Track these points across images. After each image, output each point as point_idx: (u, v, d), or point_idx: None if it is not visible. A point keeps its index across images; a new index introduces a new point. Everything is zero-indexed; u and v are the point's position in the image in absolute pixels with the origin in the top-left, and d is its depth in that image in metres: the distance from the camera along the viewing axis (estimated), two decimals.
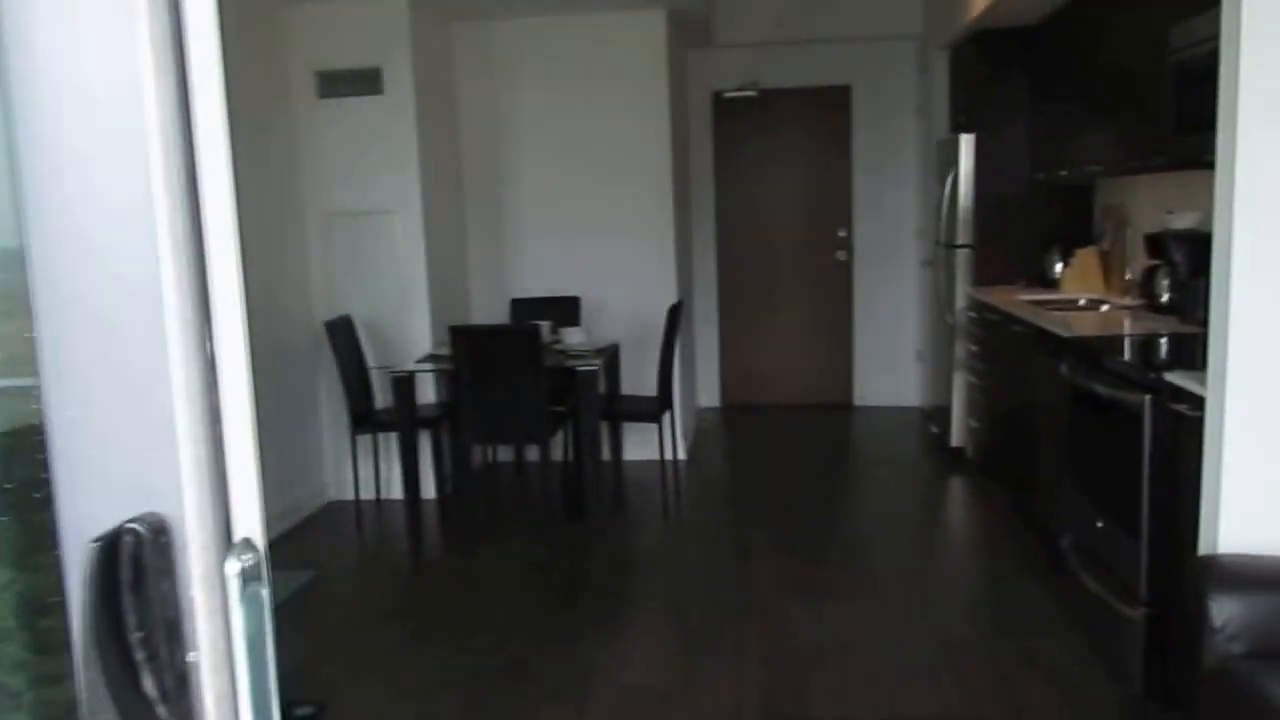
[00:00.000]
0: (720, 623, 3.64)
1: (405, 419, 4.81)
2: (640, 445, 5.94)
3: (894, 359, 7.33)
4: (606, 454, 5.67)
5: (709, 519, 4.88)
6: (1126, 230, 4.75)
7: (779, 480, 5.47)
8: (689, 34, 6.56)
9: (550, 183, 5.98)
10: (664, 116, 5.81)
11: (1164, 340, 3.41)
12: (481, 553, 4.54)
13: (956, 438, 5.74)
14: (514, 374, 4.50)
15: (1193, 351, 3.20)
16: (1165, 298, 3.88)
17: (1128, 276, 4.67)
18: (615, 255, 5.96)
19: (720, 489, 5.39)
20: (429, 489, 5.27)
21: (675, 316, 5.13)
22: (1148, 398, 2.78)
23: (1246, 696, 2.00)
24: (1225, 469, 2.36)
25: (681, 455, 5.98)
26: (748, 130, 7.23)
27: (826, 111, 7.15)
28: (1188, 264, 3.80)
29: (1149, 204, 4.63)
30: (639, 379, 5.95)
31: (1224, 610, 2.15)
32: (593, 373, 4.60)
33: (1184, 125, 3.30)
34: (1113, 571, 3.07)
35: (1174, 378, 2.71)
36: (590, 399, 4.60)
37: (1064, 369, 3.51)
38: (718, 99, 7.22)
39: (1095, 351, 3.33)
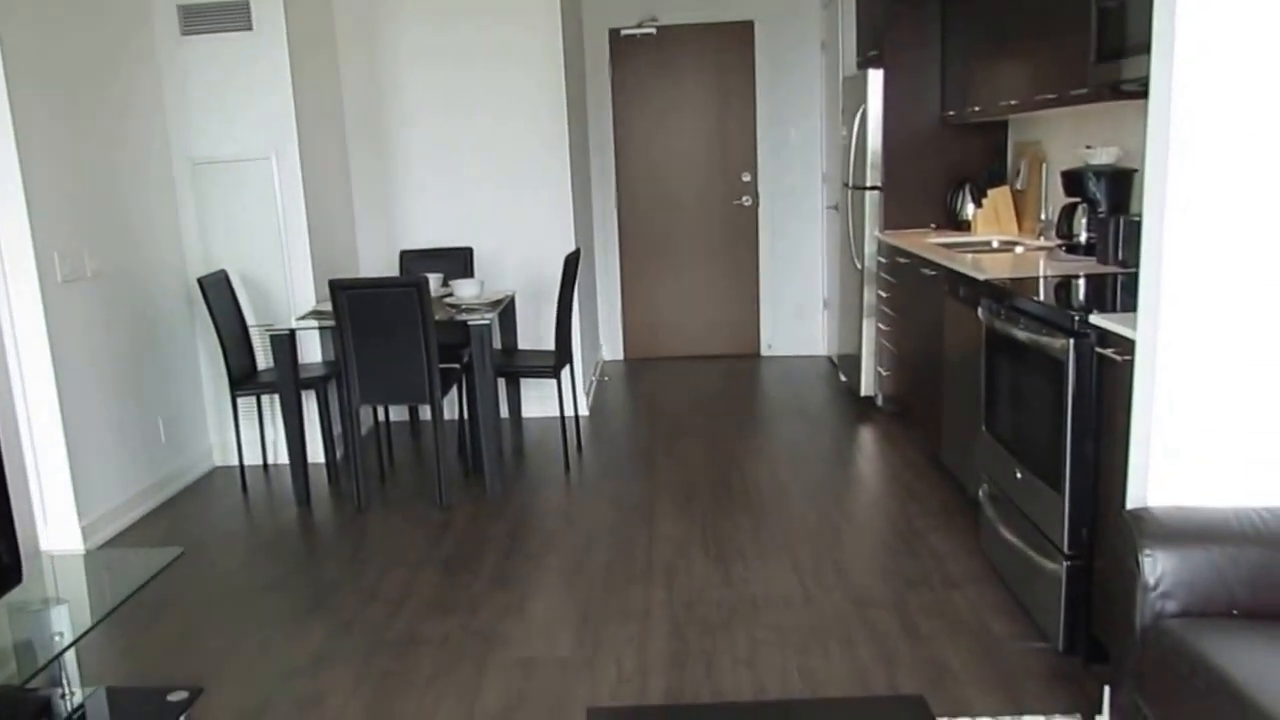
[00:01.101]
0: (625, 586, 3.43)
1: (287, 380, 4.46)
2: (539, 401, 5.68)
3: (801, 307, 7.19)
4: (504, 411, 5.40)
5: (612, 476, 4.65)
6: (1042, 168, 4.63)
7: (684, 434, 5.28)
8: None
9: (440, 128, 5.60)
10: (557, 56, 5.47)
11: (1085, 281, 3.27)
12: (373, 518, 4.24)
13: (866, 386, 5.62)
14: (400, 330, 4.17)
15: (1116, 293, 3.07)
16: (1083, 237, 3.75)
17: (1043, 217, 4.56)
18: (510, 203, 5.63)
19: (624, 445, 5.17)
20: (316, 452, 4.94)
21: (572, 266, 4.85)
22: (1071, 342, 2.62)
23: (1181, 655, 1.87)
24: (1156, 417, 2.21)
25: (583, 411, 5.74)
26: (647, 70, 6.93)
27: (729, 49, 6.89)
28: (1108, 201, 3.68)
29: (1065, 141, 4.51)
30: (537, 332, 5.67)
31: (1158, 566, 2.01)
32: (486, 327, 4.30)
33: (1104, 52, 3.14)
34: (1032, 523, 2.94)
35: (1100, 320, 2.56)
36: (484, 355, 4.31)
37: (981, 314, 3.35)
38: (615, 36, 6.89)
39: (1014, 295, 3.18)
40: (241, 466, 4.82)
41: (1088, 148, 3.71)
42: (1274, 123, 2.10)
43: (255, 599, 3.52)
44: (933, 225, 5.38)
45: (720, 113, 6.98)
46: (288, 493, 4.60)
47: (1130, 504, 2.30)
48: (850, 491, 4.31)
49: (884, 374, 5.33)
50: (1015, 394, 3.11)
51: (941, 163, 5.34)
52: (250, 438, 5.03)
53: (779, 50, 6.86)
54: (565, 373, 5.26)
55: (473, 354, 4.34)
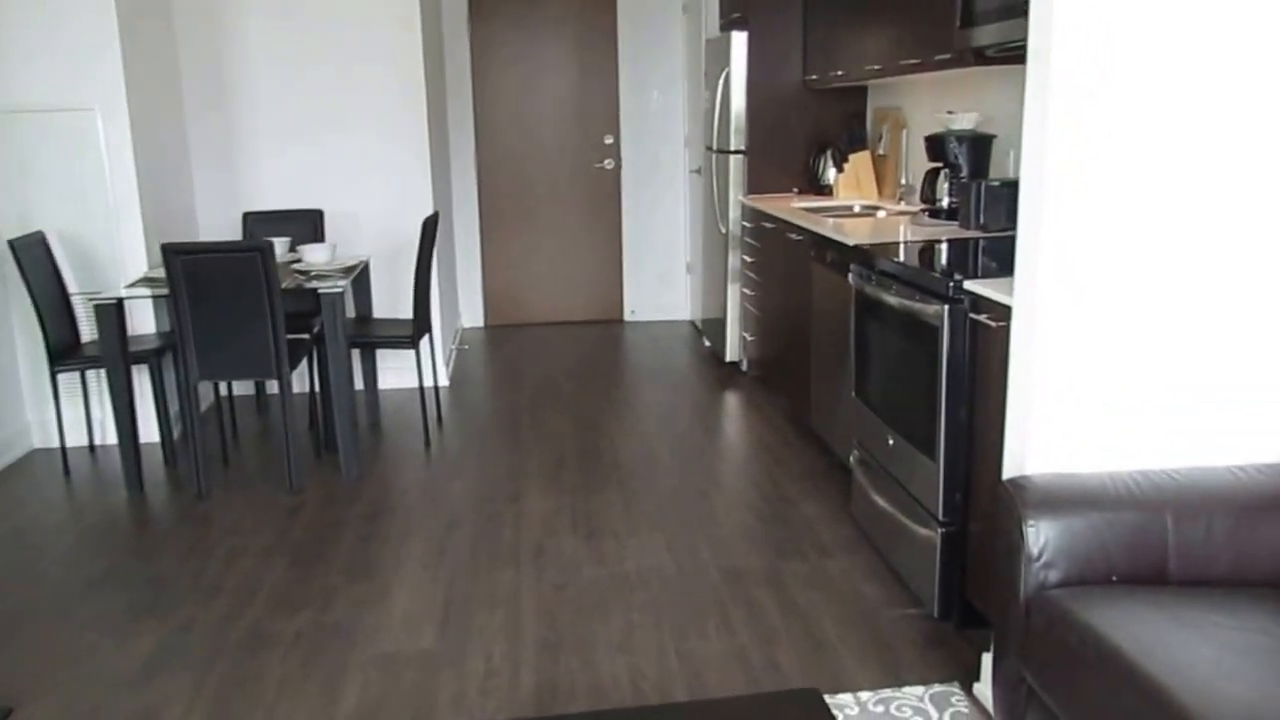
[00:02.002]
0: (491, 570, 3.26)
1: (114, 353, 4.07)
2: (397, 372, 5.42)
3: (665, 271, 7.11)
4: (359, 383, 5.11)
5: (474, 451, 4.46)
6: (903, 133, 4.64)
7: (550, 404, 5.12)
8: None
9: (287, 81, 5.21)
10: (413, 8, 5.17)
11: (952, 246, 3.27)
12: (215, 504, 3.93)
13: (731, 351, 5.58)
14: (243, 299, 3.85)
15: (981, 258, 3.07)
16: (945, 202, 3.76)
17: (903, 181, 4.58)
18: (364, 164, 5.31)
19: (486, 417, 4.98)
20: (151, 431, 4.55)
21: (430, 231, 4.60)
22: (945, 308, 2.59)
23: (1069, 625, 1.85)
24: (1034, 384, 2.19)
25: (443, 381, 5.51)
26: (508, 27, 6.66)
27: (592, 8, 6.68)
28: (969, 166, 3.70)
29: (925, 106, 4.53)
30: (394, 300, 5.39)
31: (1040, 536, 1.99)
32: (338, 295, 4.02)
33: (968, 18, 3.12)
34: (905, 489, 2.93)
35: (975, 286, 2.53)
36: (336, 325, 4.03)
37: (850, 279, 3.31)
38: None
39: (885, 260, 3.14)
40: (63, 448, 4.39)
41: (949, 113, 3.72)
42: (1153, 87, 2.08)
43: (79, 599, 3.19)
44: (795, 190, 5.36)
45: (583, 73, 6.78)
46: (117, 477, 4.22)
47: (1008, 472, 2.28)
48: (719, 460, 4.26)
49: (749, 339, 5.30)
50: (886, 360, 3.09)
51: (803, 127, 5.31)
52: (74, 417, 4.60)
53: (642, 10, 6.70)
54: (424, 342, 5.01)
55: (324, 324, 4.06)
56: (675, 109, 6.87)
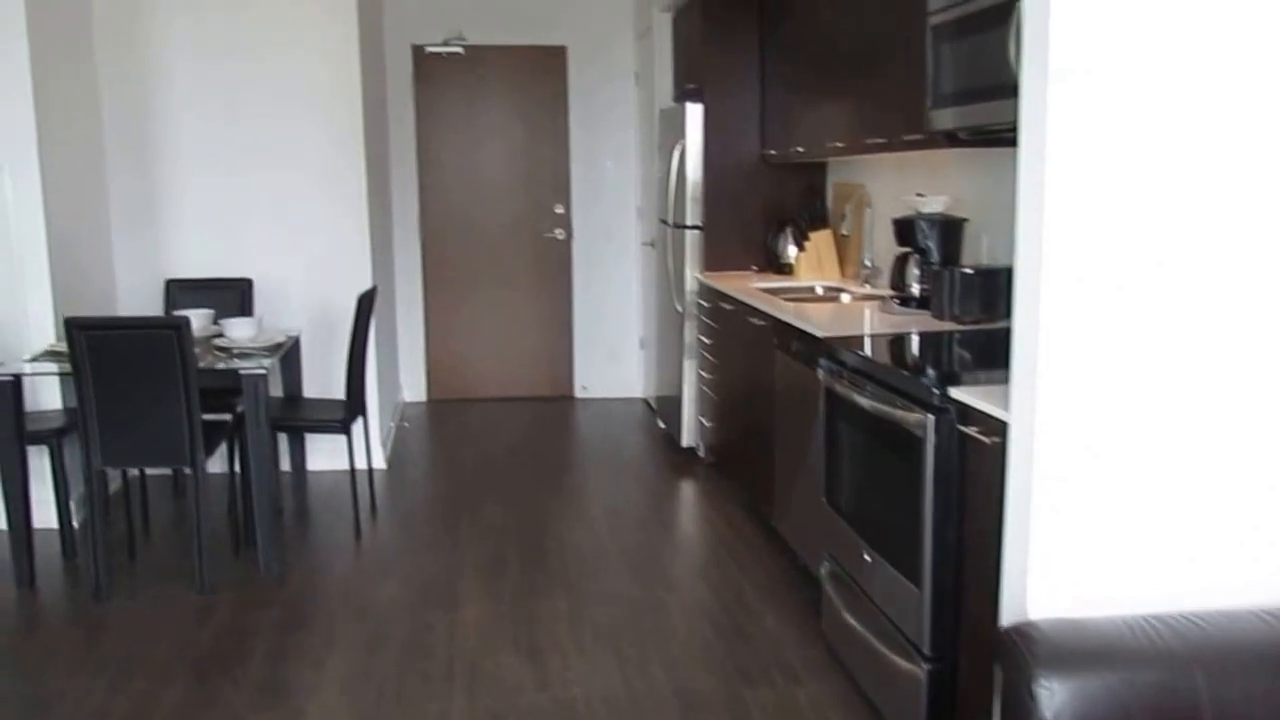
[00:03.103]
0: (419, 699, 2.90)
1: (9, 433, 3.69)
2: (329, 453, 5.04)
3: (617, 347, 6.85)
4: (286, 463, 4.74)
5: (410, 546, 4.11)
6: (867, 213, 4.45)
7: (493, 491, 4.79)
8: None
9: (218, 141, 4.90)
10: (354, 67, 4.91)
11: (928, 340, 3.03)
12: (116, 605, 3.53)
13: (688, 436, 5.31)
14: (155, 380, 3.50)
15: (967, 356, 2.84)
16: (915, 289, 3.55)
17: (868, 263, 4.38)
18: (298, 229, 4.99)
19: (424, 505, 4.63)
20: (47, 517, 4.12)
21: (367, 307, 4.28)
22: (930, 419, 2.34)
23: None
24: (1035, 512, 1.94)
25: (379, 463, 5.15)
26: (454, 91, 6.44)
27: (541, 74, 6.50)
28: (940, 252, 3.50)
29: (889, 185, 4.35)
30: (328, 376, 5.04)
31: (1054, 699, 1.72)
32: (260, 377, 3.68)
33: (942, 98, 2.93)
34: (885, 615, 2.65)
35: (964, 395, 2.29)
36: (259, 410, 3.68)
37: (820, 374, 3.07)
38: (419, 54, 6.36)
39: (856, 356, 2.90)
40: None
41: (918, 195, 3.53)
42: (1157, 171, 1.87)
43: None
44: (754, 267, 5.15)
45: (532, 141, 6.57)
46: (5, 570, 3.79)
47: (1008, 615, 2.01)
48: (676, 561, 3.95)
49: (707, 424, 5.03)
50: (861, 466, 2.83)
51: (761, 202, 5.12)
52: None
53: (593, 79, 6.52)
54: (358, 425, 4.66)
55: (246, 410, 3.71)
56: (628, 179, 6.67)
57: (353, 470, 4.31)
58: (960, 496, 2.35)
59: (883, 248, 4.37)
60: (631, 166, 6.65)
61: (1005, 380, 2.07)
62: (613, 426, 6.07)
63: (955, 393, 2.31)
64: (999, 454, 2.11)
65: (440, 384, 6.76)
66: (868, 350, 2.91)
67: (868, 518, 2.77)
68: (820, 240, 4.80)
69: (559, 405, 6.68)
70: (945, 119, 2.89)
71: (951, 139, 2.99)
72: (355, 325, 4.22)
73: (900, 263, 3.57)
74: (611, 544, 4.10)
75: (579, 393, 6.87)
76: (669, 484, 4.94)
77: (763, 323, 3.97)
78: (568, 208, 6.66)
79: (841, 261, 4.83)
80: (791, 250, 4.94)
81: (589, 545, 4.07)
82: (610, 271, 6.76)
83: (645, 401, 6.69)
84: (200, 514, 3.60)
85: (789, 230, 4.95)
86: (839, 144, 3.93)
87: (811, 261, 4.80)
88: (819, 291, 4.61)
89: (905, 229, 3.54)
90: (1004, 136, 2.98)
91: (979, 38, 2.64)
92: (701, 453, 5.28)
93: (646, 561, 3.91)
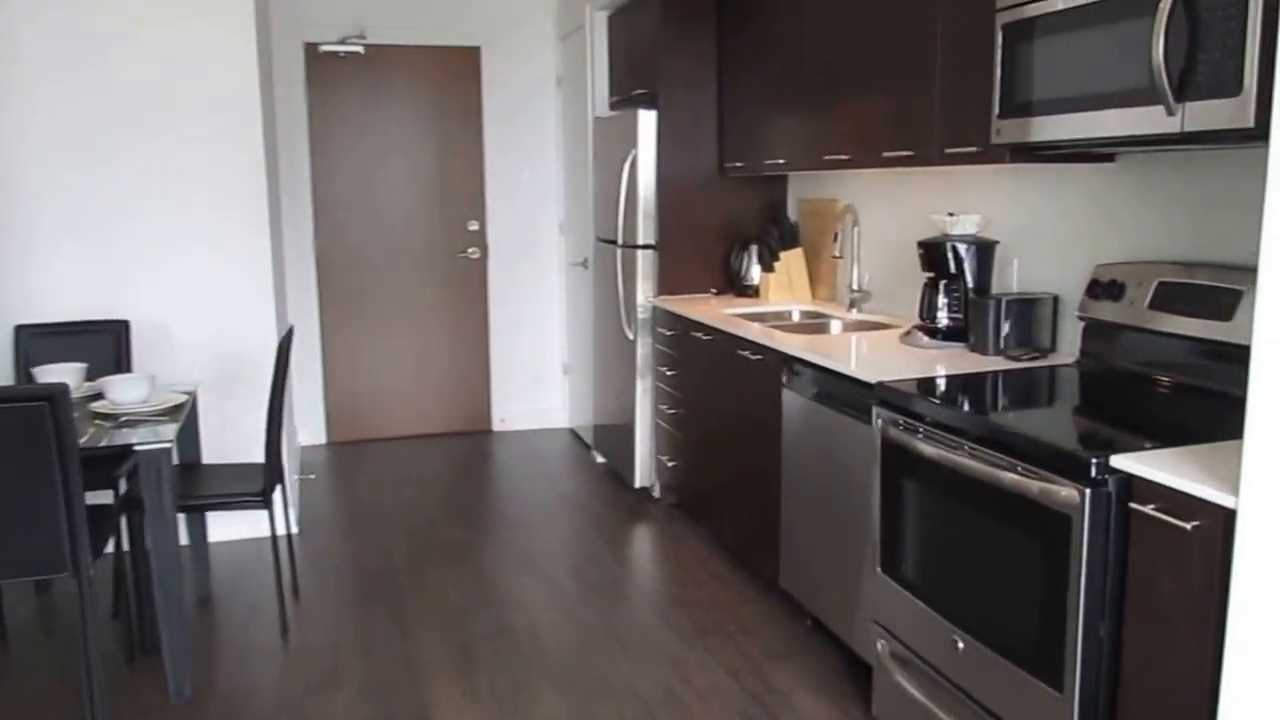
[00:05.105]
0: None
1: None
2: (227, 520, 4.32)
3: (540, 374, 6.26)
4: (182, 537, 3.97)
5: (350, 637, 3.45)
6: (855, 232, 4.02)
7: (429, 554, 4.15)
8: None
9: (80, 154, 4.07)
10: (251, 65, 4.18)
11: (1010, 382, 2.60)
12: None
13: (641, 476, 4.77)
14: (18, 466, 2.73)
15: (1105, 412, 2.41)
16: (944, 319, 3.13)
17: (856, 286, 3.95)
18: (186, 261, 4.21)
19: (354, 583, 3.95)
20: None
21: (285, 354, 3.58)
22: (1085, 494, 1.89)
23: None
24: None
25: (291, 527, 4.43)
26: (354, 95, 5.72)
27: (453, 77, 5.85)
28: (975, 278, 3.09)
29: (873, 202, 3.94)
30: (224, 436, 4.31)
31: None
32: (163, 452, 2.96)
33: (1018, 106, 2.51)
34: (990, 713, 2.19)
35: (1133, 464, 1.84)
36: (162, 495, 2.95)
37: (880, 425, 2.60)
38: (313, 53, 5.63)
39: (951, 411, 2.44)
40: None
41: (950, 215, 3.11)
42: None
43: None
44: (713, 290, 4.66)
45: (444, 151, 5.91)
46: None
47: None
48: (671, 631, 3.41)
49: (668, 464, 4.51)
50: (951, 536, 2.37)
51: (720, 220, 4.64)
52: None
53: (511, 83, 5.92)
54: (278, 493, 3.94)
55: (145, 493, 2.97)
56: (550, 192, 6.09)
57: (275, 551, 3.58)
58: (1119, 588, 1.91)
59: (873, 270, 3.96)
60: (554, 179, 6.07)
61: (1172, 443, 1.67)
62: (543, 463, 5.48)
63: (1120, 462, 1.87)
64: (1204, 543, 1.68)
65: (341, 424, 6.02)
66: (948, 397, 2.45)
67: (964, 598, 2.31)
68: (791, 260, 4.35)
69: (477, 440, 6.04)
70: (1021, 130, 2.46)
71: (1020, 153, 2.58)
72: (275, 376, 3.51)
73: (930, 289, 3.14)
74: (588, 614, 3.53)
75: (498, 425, 6.25)
76: (627, 530, 4.39)
77: (758, 356, 3.48)
78: (483, 224, 6.03)
79: (813, 283, 4.40)
80: (755, 271, 4.48)
81: (562, 618, 3.50)
82: (531, 293, 6.17)
83: (572, 432, 6.13)
84: (89, 630, 2.84)
85: (754, 249, 4.49)
86: (841, 156, 3.47)
87: (781, 283, 4.35)
88: (796, 317, 4.17)
89: (933, 252, 3.11)
90: (1094, 153, 2.62)
91: (1087, 34, 2.22)
92: (656, 492, 4.76)
93: (638, 635, 3.36)
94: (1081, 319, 2.75)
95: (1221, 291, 2.31)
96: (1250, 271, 2.28)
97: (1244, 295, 2.26)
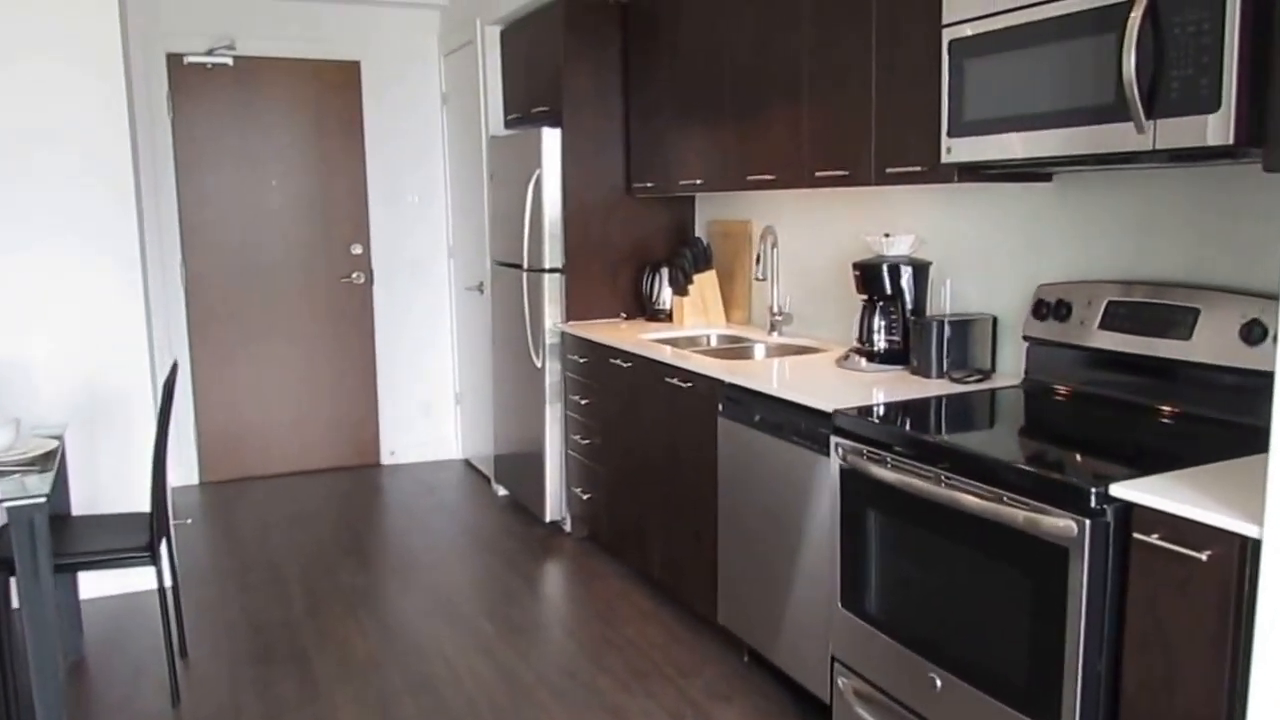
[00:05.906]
0: None
1: None
2: (104, 574, 3.91)
3: (430, 405, 5.99)
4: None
5: (254, 705, 3.13)
6: (774, 253, 3.95)
7: (331, 605, 3.85)
8: None
9: None
10: (117, 78, 3.82)
11: (962, 405, 2.55)
12: None
13: (552, 510, 4.57)
14: None
15: (1086, 435, 2.36)
16: (880, 342, 3.08)
17: (777, 309, 3.88)
18: (44, 292, 3.80)
19: (251, 639, 3.61)
20: None
21: (169, 393, 3.24)
22: (1084, 525, 1.83)
23: None
24: None
25: (169, 579, 4.03)
26: (222, 110, 5.35)
27: (331, 93, 5.55)
28: (913, 299, 3.05)
29: (790, 222, 3.89)
30: (95, 486, 3.90)
31: None
32: (38, 507, 2.61)
33: (968, 125, 2.47)
34: None
35: (1135, 493, 1.79)
36: (36, 555, 2.60)
37: (840, 454, 2.50)
38: (176, 64, 5.23)
39: (925, 437, 2.36)
40: None
41: (886, 235, 3.07)
42: None
43: None
44: (622, 314, 4.53)
45: (323, 171, 5.58)
46: None
47: None
48: (611, 678, 3.23)
49: (582, 496, 4.34)
50: (923, 569, 2.29)
51: (629, 242, 4.51)
52: None
53: (394, 100, 5.65)
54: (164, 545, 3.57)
55: (16, 554, 2.61)
56: (438, 215, 5.84)
57: (164, 608, 3.20)
58: (1118, 622, 1.86)
59: (791, 290, 3.90)
60: (441, 201, 5.82)
61: (1157, 468, 1.69)
62: (441, 496, 5.21)
63: (1121, 490, 1.81)
64: (1215, 575, 1.63)
65: (216, 462, 5.59)
66: (912, 423, 2.38)
67: (942, 635, 2.23)
68: (705, 283, 4.26)
69: (365, 475, 5.71)
70: (974, 150, 2.42)
71: (967, 173, 2.55)
72: (160, 417, 3.17)
73: (868, 311, 3.08)
74: (514, 660, 3.32)
75: (387, 458, 5.94)
76: (541, 566, 4.19)
77: (689, 384, 3.36)
78: (367, 248, 5.72)
79: (728, 306, 4.32)
80: (668, 295, 4.37)
81: (486, 666, 3.27)
82: (420, 319, 5.90)
83: (466, 463, 5.88)
84: None
85: (664, 272, 4.38)
86: (767, 177, 3.38)
87: (695, 306, 4.25)
88: (715, 342, 4.09)
89: (869, 274, 3.06)
90: (1034, 172, 2.60)
91: (1045, 50, 2.19)
92: (568, 526, 4.58)
93: (571, 682, 3.17)
94: (1027, 339, 2.73)
95: (1177, 310, 2.32)
96: (1205, 290, 2.29)
97: (1201, 313, 2.26)
